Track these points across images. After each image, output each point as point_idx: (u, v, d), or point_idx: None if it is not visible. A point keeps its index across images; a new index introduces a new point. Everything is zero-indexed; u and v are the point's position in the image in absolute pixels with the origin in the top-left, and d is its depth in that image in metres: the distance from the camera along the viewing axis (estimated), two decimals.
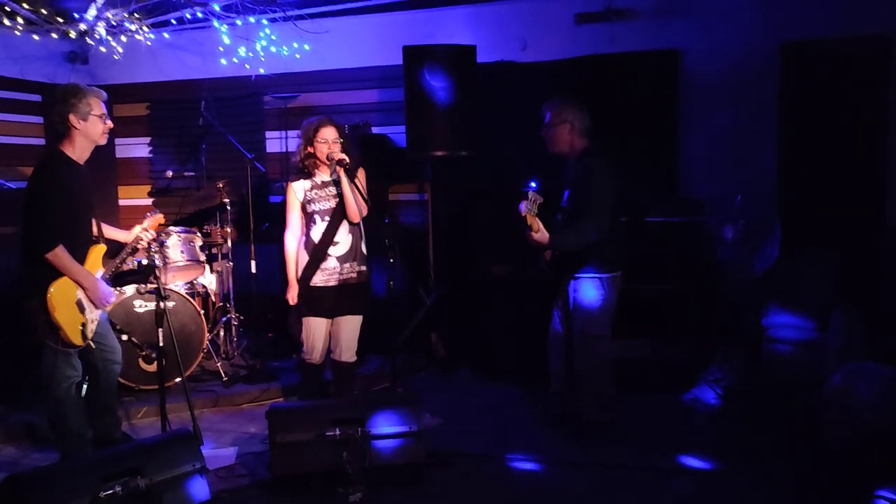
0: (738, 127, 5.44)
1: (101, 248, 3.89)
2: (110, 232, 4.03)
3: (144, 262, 4.29)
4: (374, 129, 6.12)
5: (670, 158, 5.57)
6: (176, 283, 5.21)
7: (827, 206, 5.11)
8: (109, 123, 3.82)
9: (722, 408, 4.61)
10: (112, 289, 3.89)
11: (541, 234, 3.91)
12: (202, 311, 5.16)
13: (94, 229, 3.89)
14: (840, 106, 5.14)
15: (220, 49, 6.02)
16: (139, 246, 3.95)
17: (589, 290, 4.13)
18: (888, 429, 3.40)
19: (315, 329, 4.24)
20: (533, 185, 5.45)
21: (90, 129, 3.73)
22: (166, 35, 5.97)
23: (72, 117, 3.67)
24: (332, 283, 4.19)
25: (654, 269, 4.95)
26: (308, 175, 4.24)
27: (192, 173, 6.29)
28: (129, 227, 4.07)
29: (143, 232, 3.93)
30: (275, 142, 6.44)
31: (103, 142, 3.82)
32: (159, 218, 4.12)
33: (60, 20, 5.67)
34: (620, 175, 4.16)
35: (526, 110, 5.45)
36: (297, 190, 4.24)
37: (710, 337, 4.90)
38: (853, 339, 4.26)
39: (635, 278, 4.42)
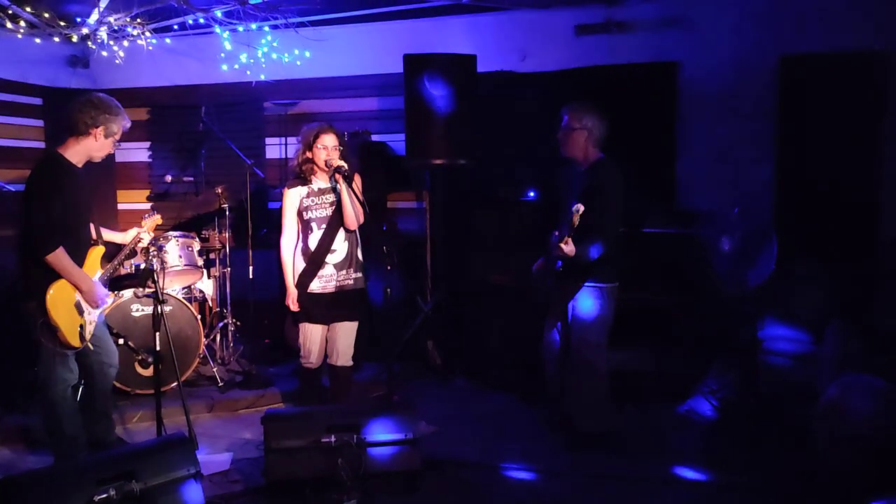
0: (736, 140, 5.46)
1: (99, 250, 3.90)
2: (108, 235, 4.03)
3: (142, 266, 4.30)
4: (374, 137, 6.14)
5: (668, 170, 5.60)
6: (173, 288, 5.21)
7: (823, 219, 5.13)
8: (112, 150, 3.86)
9: (717, 419, 4.61)
10: (107, 291, 3.89)
11: (570, 246, 3.92)
12: (199, 316, 5.15)
13: (93, 233, 3.90)
14: (837, 121, 5.16)
15: (222, 55, 6.04)
16: (138, 248, 3.95)
17: (588, 300, 4.14)
18: (883, 441, 3.40)
19: (312, 334, 4.27)
20: (531, 194, 5.49)
21: (102, 147, 3.77)
22: (168, 40, 5.98)
23: (100, 129, 3.70)
24: (329, 290, 4.22)
25: (650, 281, 4.97)
26: (305, 181, 4.25)
27: (192, 178, 6.29)
28: (127, 231, 4.09)
29: (141, 234, 3.94)
30: (274, 148, 6.45)
31: (97, 160, 3.85)
32: (157, 219, 4.13)
33: (63, 24, 5.67)
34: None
35: (525, 120, 5.50)
36: (293, 196, 4.26)
37: (707, 348, 4.91)
38: (848, 352, 4.28)
39: (632, 289, 4.42)
